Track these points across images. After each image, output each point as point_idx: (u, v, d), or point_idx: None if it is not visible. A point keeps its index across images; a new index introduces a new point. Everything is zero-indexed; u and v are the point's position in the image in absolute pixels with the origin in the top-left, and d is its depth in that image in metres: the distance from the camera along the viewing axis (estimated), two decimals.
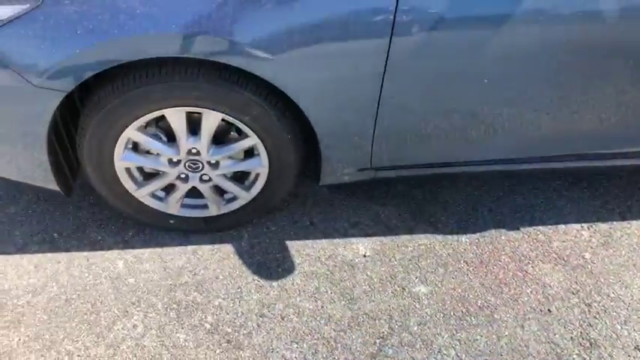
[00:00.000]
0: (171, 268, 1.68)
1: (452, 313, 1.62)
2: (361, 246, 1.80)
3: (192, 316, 1.56)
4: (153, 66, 1.34)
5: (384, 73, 1.38)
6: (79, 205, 1.86)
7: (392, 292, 1.67)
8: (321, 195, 1.98)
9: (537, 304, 1.64)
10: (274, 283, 1.66)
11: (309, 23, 1.28)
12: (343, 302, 1.63)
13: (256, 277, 1.68)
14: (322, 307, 1.61)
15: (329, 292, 1.65)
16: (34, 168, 1.51)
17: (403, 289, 1.68)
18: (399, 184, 2.04)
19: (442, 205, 1.97)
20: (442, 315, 1.62)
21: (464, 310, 1.63)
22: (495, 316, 1.62)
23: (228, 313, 1.57)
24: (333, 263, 1.74)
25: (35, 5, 1.23)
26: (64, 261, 1.68)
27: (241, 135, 1.54)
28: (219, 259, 1.72)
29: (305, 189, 1.99)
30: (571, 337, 1.55)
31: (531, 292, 1.68)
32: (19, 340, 1.47)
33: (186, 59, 1.32)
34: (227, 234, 1.80)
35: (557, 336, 1.56)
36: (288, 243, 1.79)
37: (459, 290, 1.69)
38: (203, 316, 1.56)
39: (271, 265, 1.72)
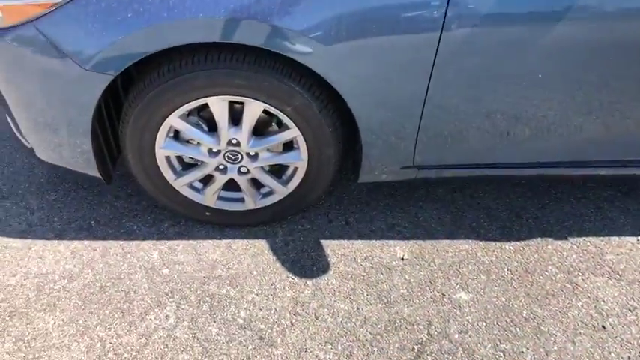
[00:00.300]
0: (205, 260, 1.66)
1: (495, 323, 1.54)
2: (399, 249, 1.74)
3: (225, 310, 1.52)
4: (199, 52, 1.34)
5: (432, 68, 1.33)
6: (116, 195, 1.87)
7: (431, 298, 1.59)
8: (357, 195, 1.93)
9: (589, 319, 1.54)
10: (309, 282, 1.62)
11: (360, 14, 1.25)
12: (380, 305, 1.56)
13: (290, 275, 1.63)
14: (358, 308, 1.55)
15: (365, 293, 1.59)
16: (76, 154, 1.52)
17: (443, 294, 1.60)
18: (438, 188, 1.97)
19: (484, 210, 1.89)
20: (484, 324, 1.53)
21: (508, 320, 1.54)
22: (543, 328, 1.52)
23: (261, 309, 1.53)
24: (369, 265, 1.68)
25: None
26: (100, 249, 1.68)
27: (281, 127, 1.52)
28: (253, 255, 1.69)
29: (341, 188, 1.95)
30: (628, 357, 1.44)
31: (582, 305, 1.58)
32: (54, 323, 1.46)
33: (232, 45, 1.31)
34: (261, 229, 1.77)
35: (612, 354, 1.45)
36: (323, 242, 1.75)
37: (503, 299, 1.60)
38: (236, 311, 1.52)
39: (306, 263, 1.67)
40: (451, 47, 1.29)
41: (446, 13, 1.25)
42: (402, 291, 1.61)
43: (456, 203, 1.92)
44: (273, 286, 1.60)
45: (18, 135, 1.63)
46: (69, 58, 1.30)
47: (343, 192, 1.93)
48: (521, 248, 1.77)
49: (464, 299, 1.60)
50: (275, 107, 1.42)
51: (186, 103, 1.41)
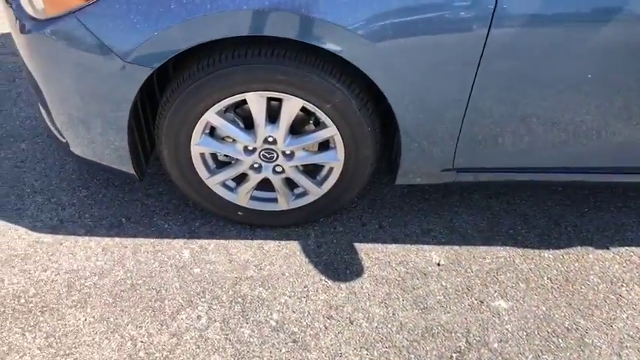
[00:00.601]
0: (237, 261, 1.63)
1: (536, 333, 1.48)
2: (434, 254, 1.69)
3: (258, 312, 1.48)
4: (239, 46, 1.32)
5: (478, 68, 1.29)
6: (147, 193, 1.85)
7: (469, 305, 1.54)
8: (390, 198, 1.88)
9: (636, 332, 1.47)
10: (342, 285, 1.57)
11: (407, 10, 1.22)
12: (416, 311, 1.51)
13: (323, 278, 1.59)
14: (393, 314, 1.50)
15: (400, 299, 1.54)
16: (111, 149, 1.51)
17: (481, 302, 1.55)
18: (473, 194, 1.92)
19: (521, 217, 1.83)
20: (525, 333, 1.47)
21: (549, 331, 1.48)
22: (586, 340, 1.46)
23: (294, 312, 1.49)
24: (404, 269, 1.63)
25: None
26: (131, 246, 1.66)
27: (319, 126, 1.49)
28: (285, 256, 1.65)
29: (373, 190, 1.91)
30: None
31: (627, 317, 1.51)
32: (85, 320, 1.44)
33: (273, 40, 1.29)
34: (293, 231, 1.74)
35: None
36: (357, 245, 1.70)
37: (543, 308, 1.54)
38: (268, 313, 1.48)
39: (339, 266, 1.63)
40: (497, 47, 1.25)
41: (494, 11, 1.21)
42: (438, 297, 1.56)
43: (492, 209, 1.86)
44: (306, 289, 1.56)
45: (52, 129, 1.62)
46: (110, 51, 1.29)
47: (376, 195, 1.89)
48: (561, 257, 1.71)
49: (503, 307, 1.54)
50: (314, 104, 1.39)
51: (225, 98, 1.39)
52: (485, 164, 1.56)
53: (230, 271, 1.60)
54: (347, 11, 1.21)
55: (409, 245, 1.72)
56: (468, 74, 1.31)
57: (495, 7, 1.20)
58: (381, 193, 1.90)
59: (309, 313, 1.49)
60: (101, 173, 1.91)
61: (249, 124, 1.49)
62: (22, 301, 1.48)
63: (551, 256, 1.71)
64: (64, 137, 1.56)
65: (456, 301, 1.55)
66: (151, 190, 1.86)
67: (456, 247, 1.72)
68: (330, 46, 1.26)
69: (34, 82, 1.51)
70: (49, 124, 1.62)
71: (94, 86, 1.38)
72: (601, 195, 1.94)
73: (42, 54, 1.39)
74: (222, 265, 1.61)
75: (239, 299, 1.52)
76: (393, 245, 1.72)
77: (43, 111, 1.65)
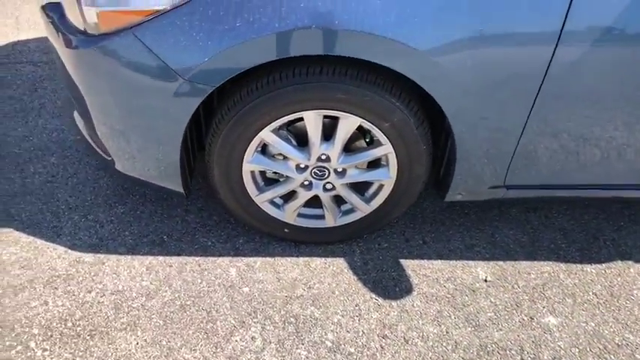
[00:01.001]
0: (285, 279, 1.60)
1: (588, 349, 1.48)
2: (480, 270, 1.69)
3: (312, 332, 1.46)
4: (300, 64, 1.30)
5: (541, 87, 1.29)
6: (186, 209, 1.82)
7: (519, 322, 1.54)
8: (431, 213, 1.88)
9: None
10: (394, 303, 1.56)
11: (472, 29, 1.21)
12: (469, 329, 1.51)
13: (374, 296, 1.58)
14: (447, 332, 1.50)
15: (452, 316, 1.54)
16: (161, 166, 1.48)
17: (531, 318, 1.55)
18: (511, 208, 1.93)
19: (560, 231, 1.84)
20: (577, 350, 1.48)
21: (601, 347, 1.49)
22: (637, 356, 1.47)
23: (348, 332, 1.47)
24: (452, 286, 1.63)
25: None
26: (176, 265, 1.62)
27: (373, 144, 1.48)
28: (333, 274, 1.63)
29: (414, 205, 1.90)
30: None
31: None
32: (137, 344, 1.40)
33: (333, 58, 1.27)
34: (338, 247, 1.72)
35: None
36: (403, 262, 1.69)
37: (592, 324, 1.55)
38: (323, 333, 1.46)
39: (388, 283, 1.62)
40: (562, 66, 1.26)
41: (562, 30, 1.21)
42: (489, 314, 1.56)
43: (531, 223, 1.87)
44: (357, 308, 1.54)
45: (94, 145, 1.58)
46: (169, 68, 1.26)
47: (416, 209, 1.88)
48: (603, 271, 1.72)
49: (553, 324, 1.55)
50: (372, 123, 1.38)
51: (282, 116, 1.37)
52: (535, 181, 1.56)
53: (279, 290, 1.57)
54: (413, 30, 1.21)
55: (454, 261, 1.72)
56: (530, 93, 1.31)
57: (563, 26, 1.21)
58: (421, 208, 1.89)
59: (363, 332, 1.48)
60: (136, 188, 1.87)
61: (300, 142, 1.48)
62: (70, 324, 1.44)
63: (593, 270, 1.72)
64: (108, 155, 1.53)
65: (507, 317, 1.55)
66: (190, 206, 1.82)
67: (501, 263, 1.72)
68: (395, 65, 1.25)
69: (78, 96, 1.47)
70: (90, 139, 1.58)
71: (149, 104, 1.34)
72: (634, 208, 1.97)
73: (93, 70, 1.35)
74: (270, 283, 1.59)
75: (292, 319, 1.50)
76: (439, 261, 1.71)
77: (82, 126, 1.61)
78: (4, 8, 3.09)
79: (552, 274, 1.70)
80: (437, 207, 1.90)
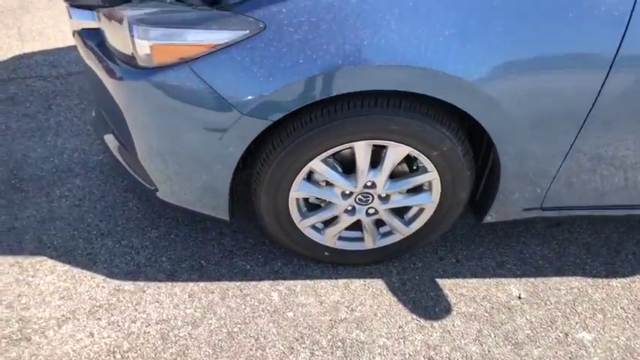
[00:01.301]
0: (327, 302, 1.62)
1: None
2: (513, 287, 1.74)
3: (360, 356, 1.49)
4: (354, 97, 1.31)
5: (590, 111, 1.34)
6: (221, 232, 1.81)
7: (555, 338, 1.59)
8: (460, 231, 1.92)
9: None
10: (435, 324, 1.60)
11: (522, 60, 1.25)
12: (509, 347, 1.56)
13: (415, 316, 1.61)
14: (489, 351, 1.54)
15: (492, 335, 1.58)
16: (209, 196, 1.47)
17: (566, 335, 1.61)
18: (536, 223, 1.98)
19: (584, 246, 1.91)
20: None
21: None
22: None
23: (395, 354, 1.50)
24: (489, 305, 1.67)
25: (256, 32, 1.20)
26: (218, 291, 1.62)
27: (418, 170, 1.50)
28: (373, 295, 1.66)
29: None
30: None
31: None
32: None
33: (388, 91, 1.29)
34: (375, 269, 1.75)
35: None
36: (439, 281, 1.73)
37: (623, 339, 1.61)
38: (371, 357, 1.49)
39: (427, 303, 1.65)
40: (613, 93, 1.30)
41: (615, 57, 1.25)
42: (526, 332, 1.61)
43: (556, 239, 1.93)
44: (401, 329, 1.57)
45: (133, 173, 1.57)
46: (226, 102, 1.26)
47: None
48: (629, 285, 1.79)
49: (587, 339, 1.61)
50: (420, 151, 1.41)
51: (334, 147, 1.38)
52: (571, 202, 1.62)
53: (323, 314, 1.59)
54: (468, 65, 1.23)
55: (488, 279, 1.76)
56: (579, 118, 1.35)
57: (617, 51, 1.24)
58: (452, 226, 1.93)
59: (410, 355, 1.51)
60: (167, 211, 1.85)
61: (346, 168, 1.49)
62: (119, 356, 1.43)
63: (619, 284, 1.79)
64: (151, 183, 1.51)
65: (543, 334, 1.61)
66: (224, 229, 1.82)
67: (532, 279, 1.78)
68: (449, 98, 1.28)
69: (120, 125, 1.45)
70: (128, 166, 1.56)
71: (203, 136, 1.34)
72: None
73: (142, 102, 1.34)
74: (313, 307, 1.60)
75: (339, 343, 1.51)
76: (473, 280, 1.75)
77: (118, 150, 1.59)
78: (4, 19, 3.00)
79: (581, 290, 1.76)
80: (466, 225, 1.94)
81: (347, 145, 1.39)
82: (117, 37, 1.36)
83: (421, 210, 1.60)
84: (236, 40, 1.21)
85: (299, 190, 1.49)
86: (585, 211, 1.69)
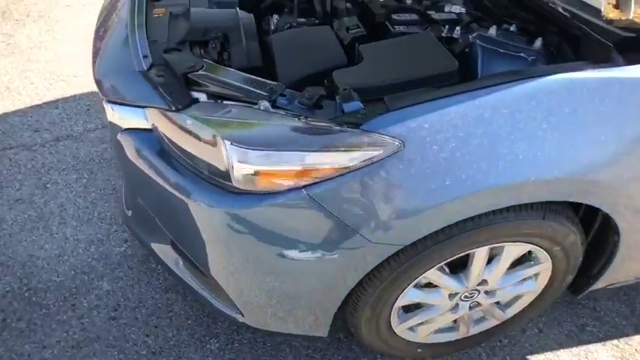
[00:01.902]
0: None
1: None
2: (602, 354, 1.67)
3: None
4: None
5: None
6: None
7: None
8: None
9: None
10: None
11: None
12: None
13: None
14: None
15: None
16: (312, 319, 1.27)
17: None
18: None
19: None
20: None
21: None
22: None
23: None
24: None
25: (392, 151, 1.00)
26: None
27: (530, 261, 1.37)
28: None
29: None
30: None
31: None
32: None
33: None
34: (463, 353, 1.61)
35: None
36: (530, 358, 1.63)
37: None
38: None
39: None
40: None
41: None
42: None
43: (622, 289, 1.89)
44: None
45: (218, 305, 1.32)
46: (349, 228, 1.05)
47: None
48: None
49: None
50: (543, 247, 1.28)
51: (456, 255, 1.21)
52: None
53: None
54: (608, 168, 1.12)
55: (575, 348, 1.68)
56: None
57: None
58: None
59: None
60: (221, 318, 1.59)
61: (452, 267, 1.33)
62: None
63: None
64: (236, 310, 1.27)
65: None
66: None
67: (615, 342, 1.72)
68: (589, 200, 1.15)
69: (192, 245, 1.20)
70: (202, 290, 1.31)
71: (318, 266, 1.13)
72: None
73: (239, 233, 1.09)
74: None
75: None
76: (561, 351, 1.67)
77: (186, 268, 1.33)
78: None
79: None
80: None
81: (468, 252, 1.23)
82: (194, 146, 1.10)
83: (520, 296, 1.48)
84: (368, 163, 1.00)
85: (405, 298, 1.32)
86: None
